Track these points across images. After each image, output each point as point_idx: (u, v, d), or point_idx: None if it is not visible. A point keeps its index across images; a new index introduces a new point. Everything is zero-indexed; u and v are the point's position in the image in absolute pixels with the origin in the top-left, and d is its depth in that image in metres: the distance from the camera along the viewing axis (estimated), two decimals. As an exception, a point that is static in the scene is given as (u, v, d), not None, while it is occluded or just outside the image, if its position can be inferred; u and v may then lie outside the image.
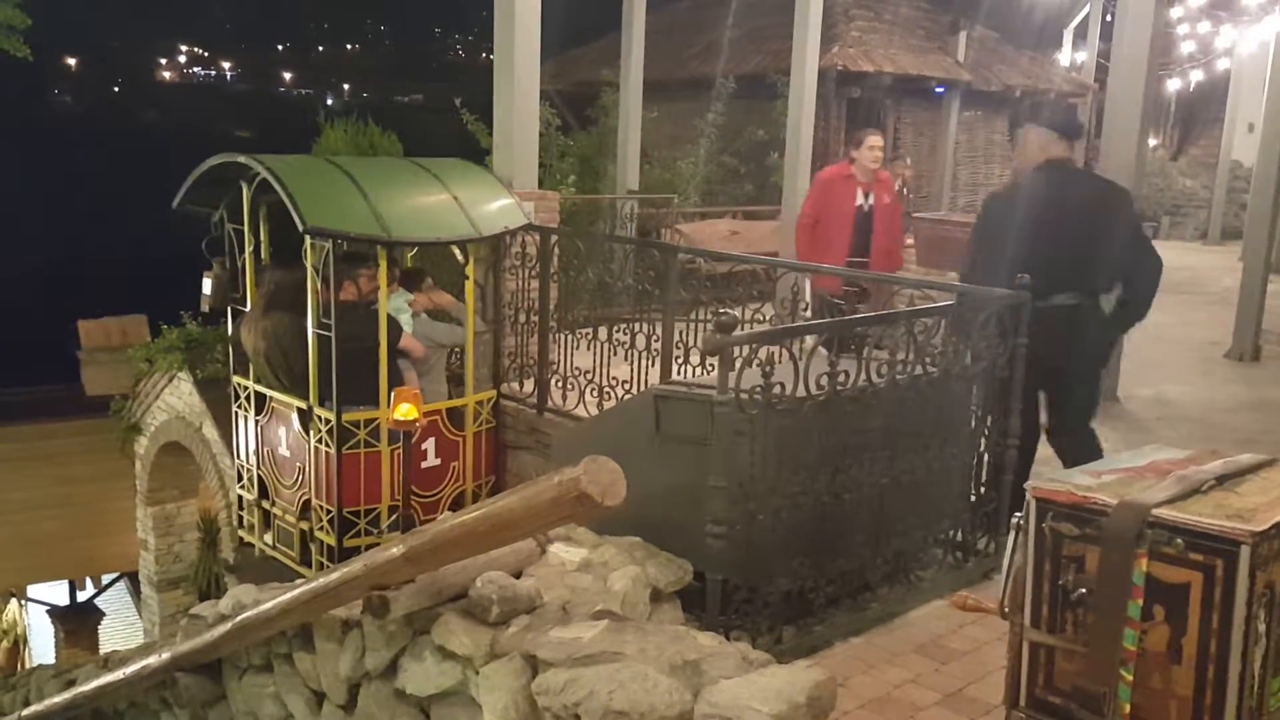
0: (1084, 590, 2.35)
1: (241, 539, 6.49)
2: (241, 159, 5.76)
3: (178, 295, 10.74)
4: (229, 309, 6.51)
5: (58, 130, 47.82)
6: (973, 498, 4.25)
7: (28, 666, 12.66)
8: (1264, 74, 10.66)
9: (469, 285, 5.99)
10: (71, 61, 79.96)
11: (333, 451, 5.45)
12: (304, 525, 5.76)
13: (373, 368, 5.47)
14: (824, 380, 3.48)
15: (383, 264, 5.55)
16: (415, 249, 6.61)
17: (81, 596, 15.16)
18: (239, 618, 3.60)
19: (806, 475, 3.52)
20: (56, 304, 17.86)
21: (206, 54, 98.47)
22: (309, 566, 5.68)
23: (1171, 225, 17.95)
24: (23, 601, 15.60)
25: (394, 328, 5.65)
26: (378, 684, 3.15)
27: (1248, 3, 14.07)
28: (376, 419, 5.49)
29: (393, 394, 5.11)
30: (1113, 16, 12.53)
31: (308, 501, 5.73)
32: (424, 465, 5.73)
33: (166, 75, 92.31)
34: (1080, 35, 17.95)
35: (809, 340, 3.72)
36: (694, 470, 3.37)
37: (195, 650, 3.85)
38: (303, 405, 5.67)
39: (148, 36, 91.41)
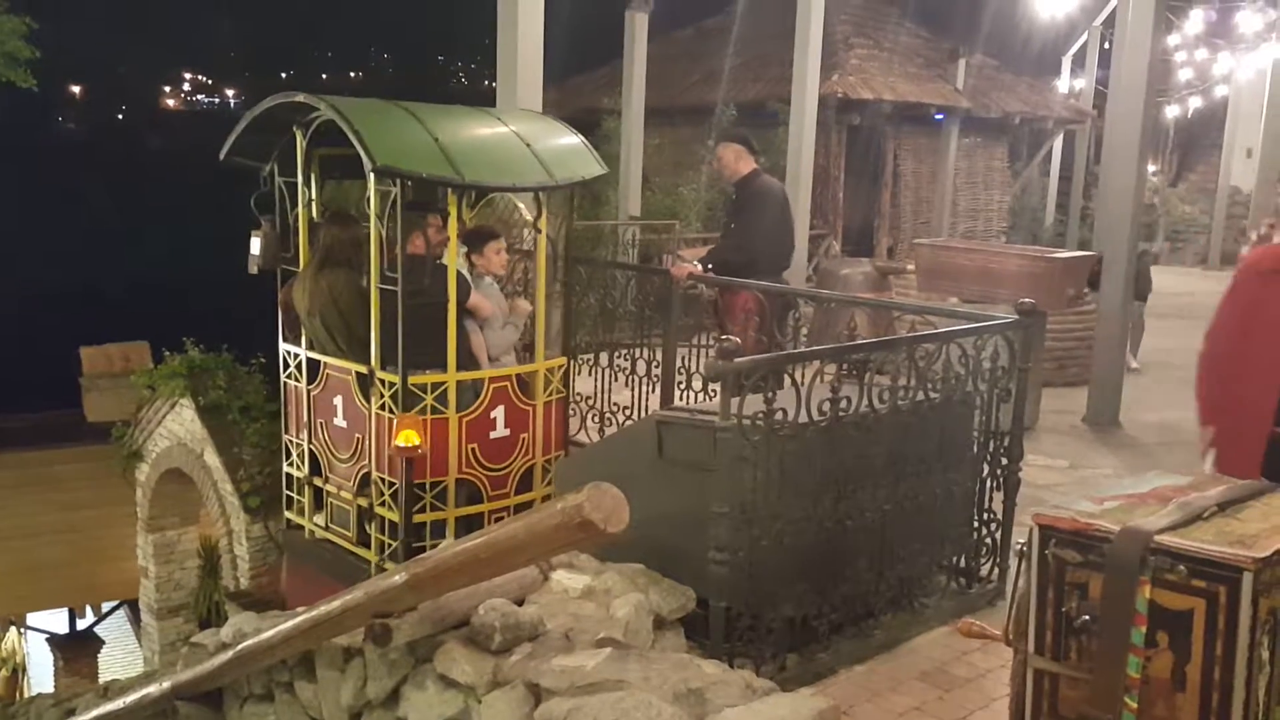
0: (1087, 617, 2.34)
1: (289, 521, 5.98)
2: (301, 97, 5.27)
3: (180, 321, 10.77)
4: (279, 271, 5.95)
5: (61, 157, 48.07)
6: (976, 523, 4.24)
7: (26, 695, 12.59)
8: (1261, 101, 10.75)
9: (540, 239, 5.50)
10: (76, 89, 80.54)
11: (397, 419, 4.99)
12: (361, 502, 5.31)
13: (440, 327, 5.05)
14: (826, 406, 3.48)
15: (453, 211, 5.12)
16: (477, 206, 6.17)
17: (81, 624, 15.09)
18: (240, 646, 3.59)
19: (810, 501, 3.52)
20: (59, 330, 17.89)
21: (210, 81, 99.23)
22: (367, 547, 5.28)
23: (1172, 251, 18.02)
24: (22, 630, 15.53)
25: (463, 284, 5.21)
26: (379, 713, 3.14)
27: (1245, 30, 14.19)
28: (444, 383, 5.07)
29: (394, 422, 5.00)
30: (1111, 44, 12.64)
31: (366, 475, 5.27)
32: (492, 436, 5.27)
33: (170, 103, 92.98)
34: (1078, 63, 18.09)
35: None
36: (697, 496, 3.37)
37: (196, 679, 3.83)
38: (362, 370, 5.22)
39: (152, 64, 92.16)
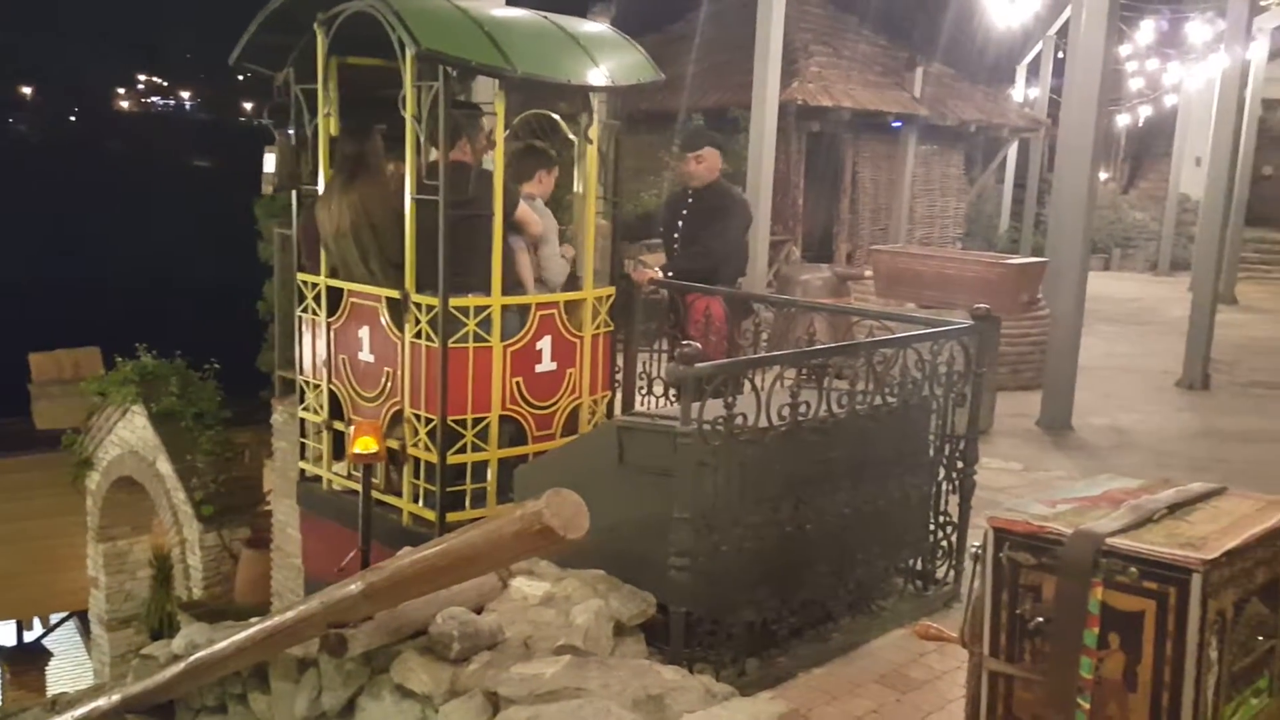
0: (1041, 619, 2.37)
1: (304, 472, 5.41)
2: None
3: (132, 327, 10.61)
4: (295, 192, 5.41)
5: (12, 159, 47.20)
6: (933, 526, 4.28)
7: (-28, 709, 12.32)
8: (1210, 110, 10.96)
9: (591, 152, 4.99)
10: (27, 90, 79.14)
11: (436, 346, 4.49)
12: (391, 444, 4.76)
13: (485, 243, 4.58)
14: (786, 411, 3.50)
15: (501, 108, 4.53)
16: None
17: (29, 636, 14.79)
18: (192, 657, 3.54)
19: (770, 506, 3.53)
20: (7, 335, 17.53)
21: (166, 83, 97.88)
22: (397, 495, 4.80)
23: (1123, 257, 18.32)
24: (-33, 642, 15.21)
25: (509, 195, 4.73)
26: (335, 723, 3.10)
27: (1194, 40, 14.48)
28: (489, 306, 4.58)
29: (351, 427, 4.70)
30: (1064, 54, 12.83)
31: (398, 413, 4.76)
32: (538, 369, 4.80)
33: (125, 104, 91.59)
34: (1033, 72, 18.35)
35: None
36: (657, 502, 3.37)
37: (147, 691, 3.77)
38: (394, 294, 4.71)
39: (106, 66, 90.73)
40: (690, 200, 6.07)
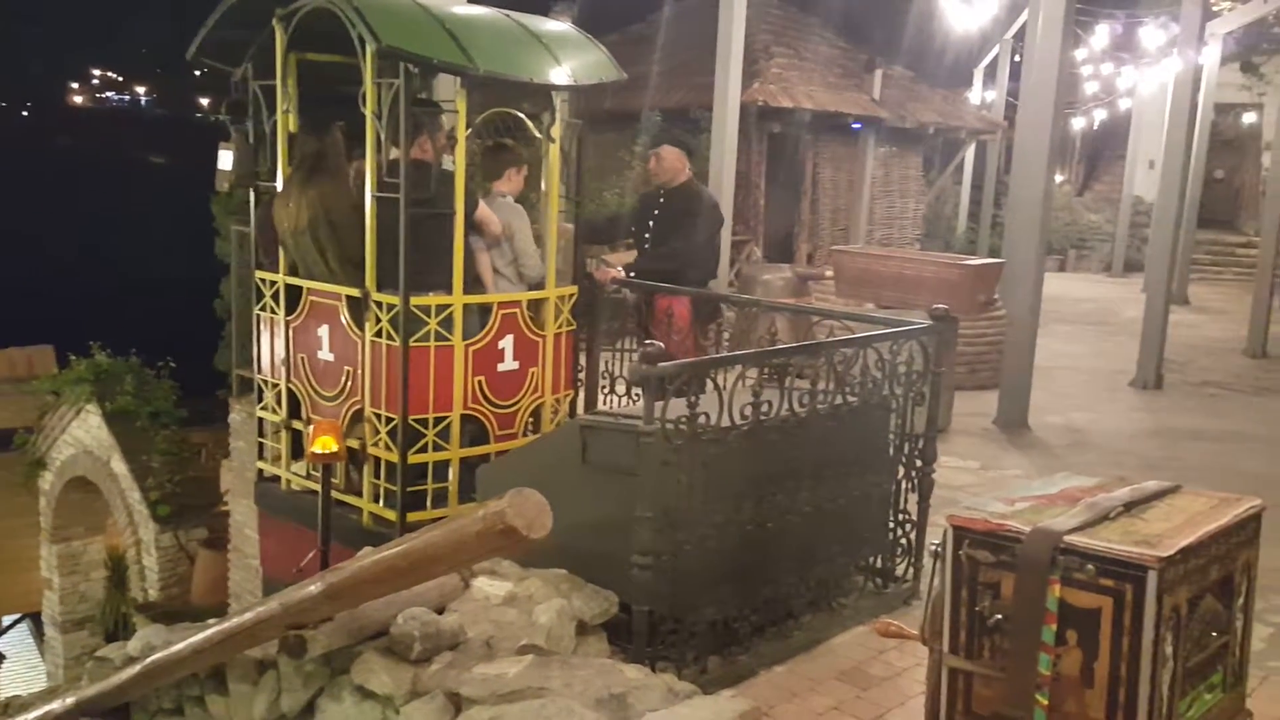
0: (1000, 616, 2.40)
1: (262, 472, 5.38)
2: None
3: (86, 325, 10.44)
4: (253, 189, 5.35)
5: (-40, 155, 46.20)
6: (892, 524, 4.32)
7: (-80, 715, 12.05)
8: (1163, 113, 11.16)
9: (553, 150, 4.98)
10: (-24, 86, 77.62)
11: (397, 344, 4.48)
12: (352, 443, 4.74)
13: (446, 243, 4.56)
14: (748, 410, 3.51)
15: (463, 106, 4.49)
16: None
17: (-21, 639, 14.51)
18: (148, 660, 3.48)
19: (732, 504, 3.54)
20: (-43, 334, 17.16)
21: (121, 78, 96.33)
22: (357, 495, 4.77)
23: (1078, 258, 18.58)
24: (-84, 646, 14.88)
25: (470, 195, 4.73)
26: (295, 726, 3.07)
27: (1148, 45, 14.72)
28: (450, 305, 4.58)
29: (311, 426, 4.74)
30: (1021, 58, 13.00)
31: (358, 412, 4.74)
32: (500, 368, 4.79)
33: (78, 100, 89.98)
34: (990, 75, 18.55)
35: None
36: (621, 501, 3.37)
37: (102, 694, 3.71)
38: (354, 293, 4.70)
39: (59, 60, 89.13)
40: (662, 200, 6.07)
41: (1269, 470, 6.51)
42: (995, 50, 17.72)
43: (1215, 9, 13.78)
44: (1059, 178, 18.32)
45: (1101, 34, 15.42)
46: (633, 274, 5.79)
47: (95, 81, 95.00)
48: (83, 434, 9.06)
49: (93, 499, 9.27)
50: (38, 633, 13.19)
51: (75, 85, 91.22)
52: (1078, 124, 19.01)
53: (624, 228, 6.47)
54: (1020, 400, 7.44)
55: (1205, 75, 12.93)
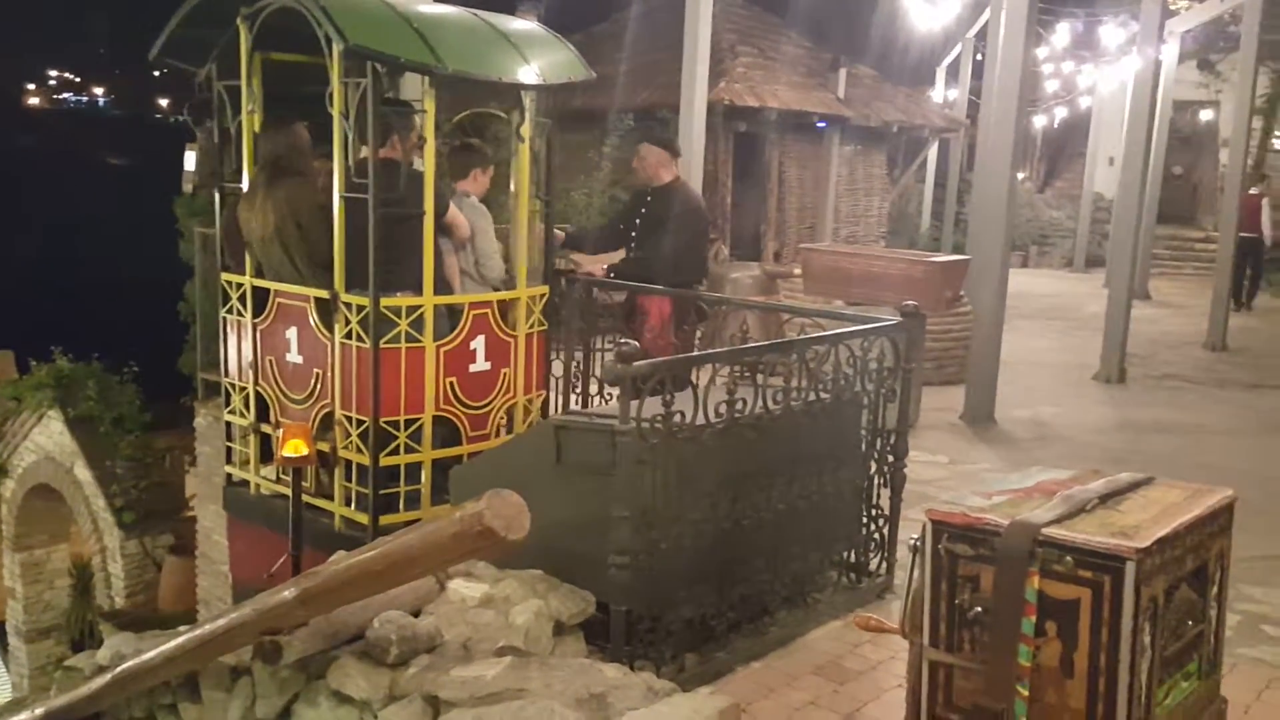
0: (980, 609, 2.41)
1: (230, 477, 5.31)
2: None
3: (47, 330, 10.27)
4: (217, 190, 5.28)
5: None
6: (865, 519, 4.34)
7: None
8: (1123, 111, 11.31)
9: (523, 150, 4.96)
10: (-72, 86, 76.15)
11: (367, 346, 4.44)
12: (322, 446, 4.67)
13: (415, 243, 4.54)
14: (723, 408, 3.52)
15: (431, 107, 4.47)
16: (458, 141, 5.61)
17: (-61, 651, 14.24)
18: (120, 668, 3.43)
19: (708, 502, 3.55)
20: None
21: (79, 79, 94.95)
22: (328, 498, 4.72)
23: (1039, 254, 18.79)
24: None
25: (441, 197, 4.72)
26: (270, 732, 3.03)
27: (1108, 44, 14.92)
28: (420, 306, 4.55)
29: (281, 430, 4.69)
30: (983, 56, 13.13)
31: (328, 415, 4.69)
32: (472, 369, 4.77)
33: (35, 101, 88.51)
34: (953, 74, 18.71)
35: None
36: (596, 501, 3.36)
37: (72, 704, 3.65)
38: (322, 294, 4.65)
39: (14, 61, 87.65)
40: (649, 200, 5.97)
41: (1231, 462, 6.61)
42: (958, 49, 17.88)
43: (1173, 7, 13.99)
44: (1020, 175, 18.50)
45: (1062, 32, 15.61)
46: (613, 274, 5.75)
47: (52, 83, 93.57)
48: (45, 440, 8.92)
49: (56, 506, 9.13)
50: (1, 643, 12.98)
51: (31, 86, 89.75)
52: (1039, 122, 19.23)
53: (611, 236, 6.26)
54: (987, 395, 7.51)
55: (1164, 73, 13.12)
